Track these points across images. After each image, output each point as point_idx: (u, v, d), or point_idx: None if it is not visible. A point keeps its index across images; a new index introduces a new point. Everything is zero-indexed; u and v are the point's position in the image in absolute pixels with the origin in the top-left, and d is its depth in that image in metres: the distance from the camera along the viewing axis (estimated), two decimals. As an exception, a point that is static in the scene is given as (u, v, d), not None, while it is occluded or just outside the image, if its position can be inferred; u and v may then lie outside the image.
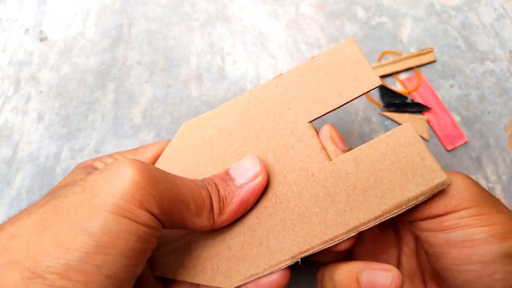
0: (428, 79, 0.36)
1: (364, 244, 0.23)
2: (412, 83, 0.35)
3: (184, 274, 0.21)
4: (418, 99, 0.34)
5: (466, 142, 0.33)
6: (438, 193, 0.17)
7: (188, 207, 0.18)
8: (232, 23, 0.37)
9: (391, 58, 0.36)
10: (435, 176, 0.17)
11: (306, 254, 0.19)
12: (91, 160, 0.23)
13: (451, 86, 0.36)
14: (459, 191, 0.17)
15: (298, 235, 0.19)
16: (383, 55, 0.36)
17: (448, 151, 0.33)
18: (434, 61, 0.37)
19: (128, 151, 0.25)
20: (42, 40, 0.35)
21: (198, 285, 0.22)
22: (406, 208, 0.17)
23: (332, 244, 0.19)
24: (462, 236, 0.17)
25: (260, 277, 0.20)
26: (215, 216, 0.19)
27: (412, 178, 0.17)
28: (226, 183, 0.20)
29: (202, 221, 0.19)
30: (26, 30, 0.35)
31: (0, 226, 0.15)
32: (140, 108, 0.33)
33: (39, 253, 0.14)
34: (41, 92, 0.33)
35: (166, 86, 0.34)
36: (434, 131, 0.33)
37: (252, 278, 0.20)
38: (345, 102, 0.20)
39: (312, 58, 0.22)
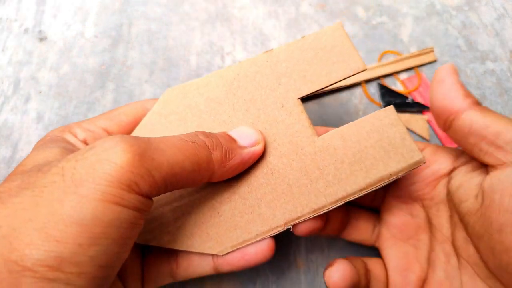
0: (428, 79, 0.36)
1: (390, 228, 0.23)
2: (413, 83, 0.35)
3: (170, 241, 0.20)
4: (418, 99, 0.34)
5: (466, 142, 0.33)
6: None
7: (183, 168, 0.17)
8: (232, 23, 0.37)
9: (391, 58, 0.36)
10: (413, 155, 0.19)
11: (297, 221, 0.20)
12: (58, 131, 0.21)
13: (452, 86, 0.35)
14: None
15: (289, 204, 0.20)
16: (383, 54, 0.36)
17: (449, 151, 0.32)
18: (434, 61, 0.36)
19: (100, 116, 0.23)
20: (41, 40, 0.35)
21: (176, 259, 0.21)
22: (388, 182, 0.19)
23: (320, 213, 0.20)
24: None
25: (251, 243, 0.20)
26: (216, 166, 0.19)
27: (394, 156, 0.19)
28: (229, 140, 0.20)
29: (200, 175, 0.18)
30: (26, 30, 0.35)
31: None
32: (140, 108, 0.32)
33: (27, 247, 0.13)
34: (40, 92, 0.33)
35: (166, 86, 0.34)
36: (434, 131, 0.33)
37: (244, 244, 0.20)
38: (332, 82, 0.22)
39: (302, 37, 0.23)
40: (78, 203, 0.14)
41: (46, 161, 0.17)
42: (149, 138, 0.17)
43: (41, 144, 0.20)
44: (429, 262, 0.22)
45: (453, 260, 0.21)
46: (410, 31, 0.38)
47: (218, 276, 0.27)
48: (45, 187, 0.14)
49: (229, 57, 0.35)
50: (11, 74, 0.33)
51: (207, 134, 0.19)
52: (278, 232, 0.20)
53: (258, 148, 0.21)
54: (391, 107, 0.20)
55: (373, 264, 0.23)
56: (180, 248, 0.20)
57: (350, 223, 0.25)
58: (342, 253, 0.28)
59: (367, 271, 0.22)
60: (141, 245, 0.23)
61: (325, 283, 0.21)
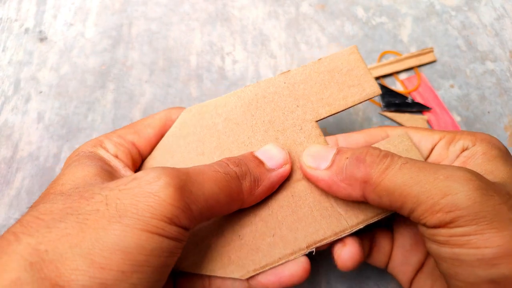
0: (428, 79, 0.36)
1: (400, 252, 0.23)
2: (412, 83, 0.35)
3: (192, 266, 0.20)
4: (418, 99, 0.34)
5: (466, 142, 0.33)
6: (433, 207, 0.16)
7: (218, 201, 0.18)
8: (232, 23, 0.37)
9: (391, 58, 0.36)
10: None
11: (319, 244, 0.20)
12: (90, 145, 0.22)
13: (451, 86, 0.35)
14: (457, 207, 0.15)
15: (310, 226, 0.20)
16: (383, 55, 0.36)
17: (448, 151, 0.33)
18: (434, 61, 0.36)
19: (127, 129, 0.23)
20: (42, 40, 0.35)
21: (209, 279, 0.21)
22: None
23: (342, 236, 0.20)
24: (450, 253, 0.16)
25: (274, 267, 0.20)
26: (245, 196, 0.19)
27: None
28: (257, 164, 0.20)
29: (231, 206, 0.19)
30: (26, 30, 0.35)
31: (12, 233, 0.15)
32: (140, 108, 0.33)
33: (73, 272, 0.13)
34: (41, 92, 0.33)
35: (166, 86, 0.34)
36: (434, 131, 0.33)
37: (267, 268, 0.20)
38: (349, 106, 0.22)
39: (318, 60, 0.23)
40: (123, 231, 0.14)
41: (85, 182, 0.18)
42: (187, 170, 0.17)
43: (76, 160, 0.20)
44: None
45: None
46: (409, 31, 0.38)
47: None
48: (89, 214, 0.15)
49: (229, 57, 0.35)
50: (12, 74, 0.33)
51: (236, 163, 0.19)
52: (300, 255, 0.20)
53: (286, 169, 0.21)
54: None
55: (382, 236, 0.23)
56: (202, 273, 0.20)
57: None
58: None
59: (372, 244, 0.23)
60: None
61: (333, 259, 0.21)
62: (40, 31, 0.36)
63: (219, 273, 0.20)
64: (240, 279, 0.20)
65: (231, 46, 0.36)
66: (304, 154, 0.21)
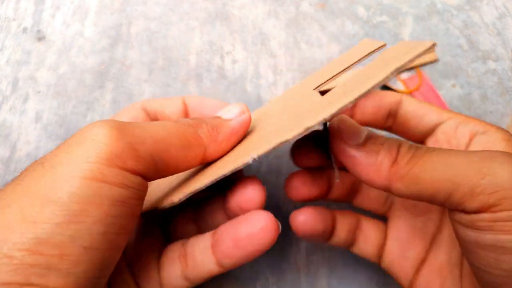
0: (429, 78, 0.35)
1: (403, 200, 0.22)
2: (414, 82, 0.35)
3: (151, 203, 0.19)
4: (420, 99, 0.34)
5: (468, 142, 0.33)
6: (473, 189, 0.14)
7: (170, 144, 0.16)
8: (231, 22, 0.37)
9: (392, 58, 0.36)
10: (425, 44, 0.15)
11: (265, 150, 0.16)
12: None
13: (453, 86, 0.35)
14: (501, 187, 0.14)
15: (278, 132, 0.17)
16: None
17: (450, 151, 0.32)
18: (435, 61, 0.36)
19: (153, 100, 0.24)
20: (40, 39, 0.35)
21: (185, 255, 0.20)
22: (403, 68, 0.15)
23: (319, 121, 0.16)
24: (493, 240, 0.14)
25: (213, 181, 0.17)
26: (206, 141, 0.18)
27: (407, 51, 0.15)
28: (213, 117, 0.20)
29: (192, 151, 0.17)
30: (24, 29, 0.35)
31: None
32: (139, 108, 0.32)
33: (2, 232, 0.12)
34: (39, 92, 0.32)
35: (165, 86, 0.33)
36: (435, 131, 0.33)
37: (201, 185, 0.17)
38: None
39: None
40: (54, 182, 0.13)
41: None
42: (131, 121, 0.16)
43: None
44: (433, 243, 0.21)
45: (459, 247, 0.20)
46: (410, 31, 0.38)
47: (218, 277, 0.26)
48: (26, 176, 0.14)
49: (228, 57, 0.35)
50: (10, 73, 0.33)
51: (189, 117, 0.19)
52: (244, 163, 0.16)
53: (246, 116, 0.20)
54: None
55: (368, 223, 0.23)
56: (154, 207, 0.19)
57: (361, 191, 0.24)
58: (343, 254, 0.27)
59: (334, 222, 0.22)
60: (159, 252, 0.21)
61: (290, 224, 0.22)
62: (38, 31, 0.35)
63: (164, 203, 0.18)
64: (208, 250, 0.19)
65: (231, 46, 0.36)
66: (337, 121, 0.19)
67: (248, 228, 0.18)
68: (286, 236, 0.28)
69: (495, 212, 0.14)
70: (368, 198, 0.24)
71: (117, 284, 0.18)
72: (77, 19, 0.36)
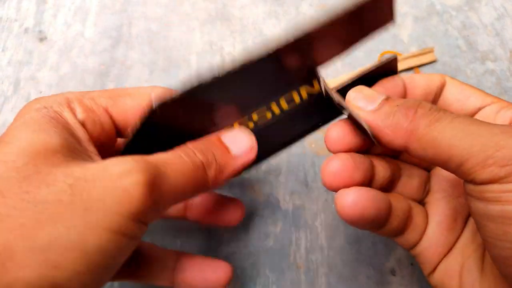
0: (428, 79, 0.36)
1: (441, 182, 0.22)
2: (413, 83, 0.35)
3: None
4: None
5: (466, 142, 0.33)
6: (486, 161, 0.15)
7: (184, 193, 0.17)
8: (232, 23, 0.37)
9: (391, 58, 0.36)
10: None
11: None
12: (56, 103, 0.18)
13: (452, 86, 0.35)
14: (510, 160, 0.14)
15: None
16: (383, 55, 0.36)
17: (449, 151, 0.32)
18: (434, 61, 0.36)
19: (103, 92, 0.20)
20: (41, 40, 0.35)
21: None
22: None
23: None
24: (501, 211, 0.14)
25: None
26: (210, 185, 0.18)
27: None
28: (223, 151, 0.19)
29: (195, 195, 0.18)
30: (26, 30, 0.35)
31: None
32: (140, 108, 0.33)
33: (20, 269, 0.12)
34: (40, 92, 0.33)
35: (166, 86, 0.34)
36: (434, 131, 0.33)
37: None
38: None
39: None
40: (85, 229, 0.13)
41: (46, 159, 0.14)
42: (156, 161, 0.16)
43: (35, 118, 0.16)
44: (466, 222, 0.21)
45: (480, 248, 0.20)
46: (410, 31, 0.38)
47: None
48: (49, 204, 0.13)
49: (229, 57, 0.35)
50: (11, 74, 0.33)
51: (202, 150, 0.18)
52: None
53: (250, 157, 0.20)
54: None
55: (418, 212, 0.21)
56: None
57: (401, 180, 0.23)
58: (342, 253, 0.28)
59: (389, 209, 0.19)
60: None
61: (335, 206, 0.18)
62: (40, 31, 0.35)
63: None
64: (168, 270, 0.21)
65: (231, 46, 0.36)
66: (352, 92, 0.19)
67: (210, 274, 0.21)
68: (286, 236, 0.28)
69: (504, 183, 0.14)
70: (408, 186, 0.22)
71: None
72: (78, 20, 0.36)
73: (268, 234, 0.28)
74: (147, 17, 0.37)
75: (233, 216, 0.20)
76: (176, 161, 0.16)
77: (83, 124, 0.18)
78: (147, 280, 0.21)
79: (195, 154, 0.17)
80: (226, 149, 0.19)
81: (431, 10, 0.39)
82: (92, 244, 0.13)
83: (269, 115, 0.22)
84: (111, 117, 0.19)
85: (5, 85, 0.33)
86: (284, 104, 0.22)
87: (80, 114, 0.18)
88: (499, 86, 0.36)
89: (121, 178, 0.14)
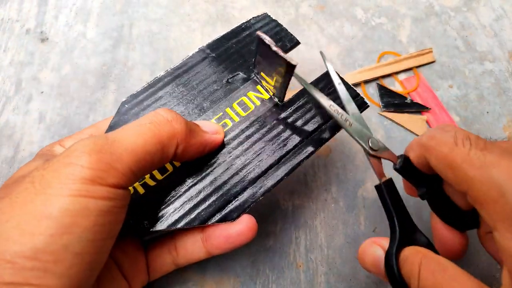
0: (427, 79, 0.36)
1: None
2: (411, 83, 0.35)
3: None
4: (417, 99, 0.35)
5: (465, 142, 0.33)
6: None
7: (147, 152, 0.18)
8: (232, 24, 0.37)
9: (390, 59, 0.36)
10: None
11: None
12: (50, 145, 0.23)
13: (450, 86, 0.36)
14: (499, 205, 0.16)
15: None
16: (382, 55, 0.37)
17: (447, 151, 0.33)
18: (433, 62, 0.37)
19: (88, 127, 0.25)
20: (43, 40, 0.35)
21: (175, 245, 0.23)
22: None
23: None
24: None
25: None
26: (179, 139, 0.20)
27: None
28: (192, 123, 0.21)
29: (165, 152, 0.19)
30: (27, 31, 0.36)
31: None
32: (140, 108, 0.33)
33: (5, 242, 0.15)
34: (42, 93, 0.33)
35: (166, 87, 0.34)
36: (433, 131, 0.33)
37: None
38: None
39: None
40: (47, 200, 0.16)
41: (27, 172, 0.19)
42: (106, 134, 0.18)
43: (36, 156, 0.22)
44: None
45: None
46: (408, 32, 0.38)
47: (219, 275, 0.27)
48: (19, 193, 0.16)
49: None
50: (13, 74, 0.33)
51: (169, 110, 0.20)
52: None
53: (220, 137, 0.23)
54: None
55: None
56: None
57: None
58: (341, 252, 0.28)
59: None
60: (144, 241, 0.24)
61: None
62: (41, 32, 0.36)
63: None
64: (199, 242, 0.22)
65: (231, 47, 0.36)
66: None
67: (238, 228, 0.22)
68: (286, 235, 0.28)
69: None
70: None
71: (104, 277, 0.20)
72: (80, 21, 0.36)
73: (268, 233, 0.28)
74: (148, 18, 0.37)
75: (249, 235, 0.22)
76: (132, 126, 0.19)
77: None
78: (187, 260, 0.23)
79: (158, 113, 0.20)
80: (195, 123, 0.22)
81: (430, 11, 0.40)
82: (56, 210, 0.15)
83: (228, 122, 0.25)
84: None
85: (6, 85, 0.33)
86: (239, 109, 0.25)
87: (68, 144, 0.23)
88: (497, 86, 0.36)
89: (68, 156, 0.17)
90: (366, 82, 0.35)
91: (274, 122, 0.25)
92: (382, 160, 0.23)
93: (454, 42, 0.38)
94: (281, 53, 0.21)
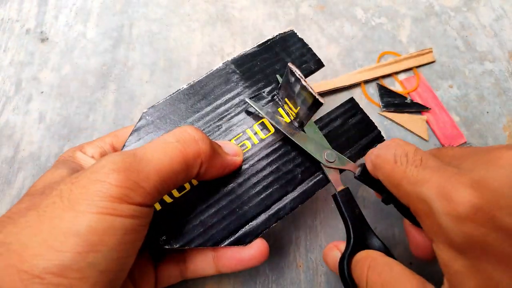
0: (427, 79, 0.36)
1: None
2: (411, 83, 0.35)
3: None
4: (417, 100, 0.35)
5: (465, 142, 0.33)
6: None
7: (172, 171, 0.18)
8: (232, 24, 0.37)
9: (390, 59, 0.36)
10: None
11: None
12: (71, 150, 0.24)
13: (450, 86, 0.36)
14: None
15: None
16: (382, 55, 0.37)
17: (447, 151, 0.33)
18: (433, 62, 0.37)
19: (110, 134, 0.25)
20: (43, 40, 0.35)
21: (184, 261, 0.24)
22: None
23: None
24: None
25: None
26: (203, 159, 0.20)
27: None
28: (216, 143, 0.22)
29: (190, 171, 0.20)
30: (27, 31, 0.36)
31: None
32: (141, 109, 0.33)
33: (34, 258, 0.15)
34: (42, 93, 0.33)
35: (167, 87, 0.34)
36: (433, 131, 0.33)
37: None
38: None
39: None
40: (75, 217, 0.16)
41: (53, 182, 0.19)
42: (134, 150, 0.18)
43: (54, 164, 0.22)
44: None
45: None
46: (408, 32, 0.38)
47: (219, 275, 0.27)
48: (47, 207, 0.16)
49: (229, 58, 0.35)
50: (13, 74, 0.33)
51: (195, 129, 0.20)
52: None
53: (238, 159, 0.23)
54: None
55: None
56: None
57: None
58: (342, 252, 0.28)
59: None
60: (153, 253, 0.24)
61: None
62: (41, 32, 0.36)
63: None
64: (210, 259, 0.23)
65: (231, 47, 0.36)
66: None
67: (251, 252, 0.22)
68: (286, 235, 0.28)
69: None
70: None
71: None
72: (80, 21, 0.36)
73: (268, 233, 0.28)
74: (148, 18, 0.37)
75: (261, 259, 0.22)
76: (159, 143, 0.19)
77: (92, 157, 0.23)
78: (195, 275, 0.24)
79: (186, 130, 0.20)
80: (218, 144, 0.22)
81: (430, 11, 0.40)
82: (84, 227, 0.16)
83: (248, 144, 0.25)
84: (115, 149, 0.25)
85: (6, 85, 0.33)
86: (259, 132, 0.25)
87: (89, 151, 0.24)
88: (497, 86, 0.36)
89: (97, 172, 0.17)
90: (366, 82, 0.35)
91: (292, 147, 0.25)
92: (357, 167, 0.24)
93: (454, 42, 0.38)
94: (310, 89, 0.21)
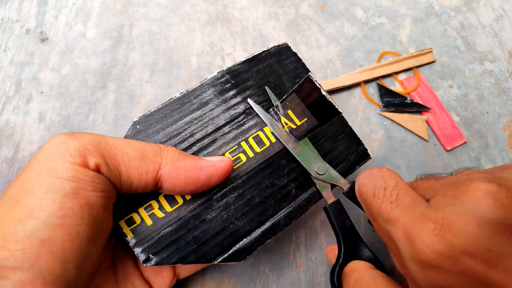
0: (427, 79, 0.36)
1: None
2: (411, 83, 0.35)
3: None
4: (417, 99, 0.35)
5: (465, 142, 0.33)
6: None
7: (124, 152, 0.18)
8: (232, 24, 0.37)
9: (390, 59, 0.36)
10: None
11: None
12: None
13: (450, 86, 0.36)
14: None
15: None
16: (382, 55, 0.37)
17: (447, 151, 0.33)
18: (433, 62, 0.37)
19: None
20: (43, 40, 0.35)
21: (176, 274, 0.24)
22: None
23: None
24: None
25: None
26: (164, 161, 0.19)
27: None
28: (191, 155, 0.21)
29: (146, 165, 0.18)
30: (27, 31, 0.36)
31: None
32: (141, 109, 0.33)
33: (5, 222, 0.14)
34: (42, 93, 0.33)
35: (167, 87, 0.34)
36: (433, 131, 0.33)
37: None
38: None
39: None
40: (20, 184, 0.15)
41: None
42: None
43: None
44: None
45: None
46: (408, 32, 0.38)
47: (219, 275, 0.27)
48: (15, 188, 0.16)
49: (229, 58, 0.35)
50: (13, 74, 0.33)
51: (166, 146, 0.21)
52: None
53: (223, 163, 0.21)
54: None
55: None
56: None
57: None
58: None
59: None
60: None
61: None
62: (41, 32, 0.36)
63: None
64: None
65: (231, 47, 0.36)
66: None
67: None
68: (286, 235, 0.28)
69: None
70: None
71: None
72: (80, 21, 0.36)
73: (268, 233, 0.28)
74: (148, 18, 0.37)
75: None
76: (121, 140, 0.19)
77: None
78: (187, 274, 0.24)
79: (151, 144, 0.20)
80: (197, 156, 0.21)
81: (430, 11, 0.40)
82: (24, 191, 0.15)
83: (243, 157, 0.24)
84: None
85: (6, 85, 0.33)
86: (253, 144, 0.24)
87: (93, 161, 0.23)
88: (497, 86, 0.36)
89: (45, 144, 0.17)
90: (366, 82, 0.35)
91: (286, 162, 0.24)
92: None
93: (454, 42, 0.38)
94: (329, 98, 0.21)
